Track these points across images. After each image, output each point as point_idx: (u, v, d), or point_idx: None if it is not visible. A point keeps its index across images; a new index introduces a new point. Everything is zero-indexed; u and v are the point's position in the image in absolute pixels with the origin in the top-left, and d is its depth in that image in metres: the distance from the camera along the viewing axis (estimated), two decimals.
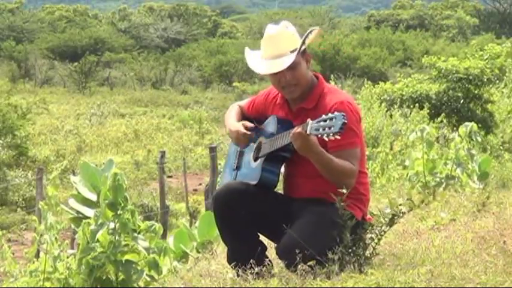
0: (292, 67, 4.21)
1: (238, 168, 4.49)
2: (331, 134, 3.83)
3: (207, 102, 35.98)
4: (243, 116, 4.57)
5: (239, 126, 4.41)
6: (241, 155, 4.50)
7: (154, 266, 4.59)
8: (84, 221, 4.48)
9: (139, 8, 77.48)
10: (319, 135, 3.89)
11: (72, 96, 38.06)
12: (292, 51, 4.20)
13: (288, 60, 4.19)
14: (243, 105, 4.62)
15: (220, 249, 5.53)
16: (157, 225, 4.65)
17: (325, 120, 3.88)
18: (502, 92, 21.90)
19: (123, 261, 4.42)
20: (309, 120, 3.95)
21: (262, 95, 4.55)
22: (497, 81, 21.21)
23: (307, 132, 3.93)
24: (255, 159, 4.35)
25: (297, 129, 3.98)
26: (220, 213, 4.26)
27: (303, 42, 4.21)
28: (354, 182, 4.11)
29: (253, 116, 4.53)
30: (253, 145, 4.41)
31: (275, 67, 4.23)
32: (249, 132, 4.38)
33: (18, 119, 21.02)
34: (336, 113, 3.87)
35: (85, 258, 4.36)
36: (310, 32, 4.25)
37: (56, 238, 4.64)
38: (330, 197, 4.05)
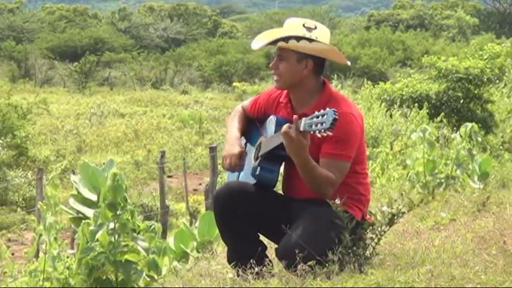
0: (281, 58, 4.26)
1: (241, 168, 4.49)
2: (323, 130, 3.85)
3: (207, 102, 35.96)
4: (247, 118, 4.58)
5: (236, 154, 4.40)
6: (244, 155, 4.50)
7: (154, 266, 4.58)
8: (83, 221, 4.47)
9: (139, 7, 77.55)
10: (312, 132, 3.90)
11: (72, 96, 38.03)
12: (268, 44, 4.24)
13: (259, 44, 4.27)
14: (246, 105, 4.63)
15: (220, 249, 5.53)
16: (157, 225, 4.65)
17: (317, 117, 3.90)
18: (502, 92, 21.91)
19: (123, 262, 4.41)
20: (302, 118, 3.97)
21: (266, 94, 4.55)
22: (497, 81, 21.23)
23: (301, 128, 3.94)
24: (256, 159, 4.36)
25: (289, 126, 3.99)
26: (220, 213, 4.26)
27: (282, 39, 4.19)
28: (332, 193, 4.10)
29: (256, 116, 4.54)
30: (256, 145, 4.42)
31: (254, 44, 4.34)
32: (237, 166, 4.40)
33: (18, 119, 21.01)
34: (327, 109, 3.88)
35: (84, 259, 4.35)
36: (308, 39, 4.21)
37: (55, 238, 4.64)
38: (329, 197, 4.05)
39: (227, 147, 4.46)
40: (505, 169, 10.01)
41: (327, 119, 3.84)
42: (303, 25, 4.26)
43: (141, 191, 17.29)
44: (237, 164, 4.40)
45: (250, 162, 4.41)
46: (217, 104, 35.70)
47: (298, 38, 4.19)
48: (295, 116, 3.97)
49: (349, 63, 4.40)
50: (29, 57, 46.43)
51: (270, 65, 4.34)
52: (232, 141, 4.47)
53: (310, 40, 4.21)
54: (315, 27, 4.26)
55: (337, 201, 4.00)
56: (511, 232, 4.62)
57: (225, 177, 4.71)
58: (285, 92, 4.39)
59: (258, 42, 4.34)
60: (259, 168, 4.27)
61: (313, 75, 4.28)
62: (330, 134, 3.85)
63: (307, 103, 4.28)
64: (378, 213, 4.16)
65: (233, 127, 4.54)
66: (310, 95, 4.28)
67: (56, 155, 21.33)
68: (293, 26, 4.28)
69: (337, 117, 3.83)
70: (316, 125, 3.87)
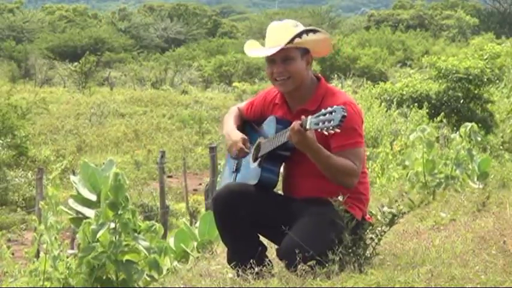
0: (286, 59, 4.23)
1: (237, 170, 4.48)
2: (331, 128, 3.83)
3: (207, 102, 35.95)
4: (242, 119, 4.57)
5: (239, 140, 4.38)
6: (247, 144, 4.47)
7: (155, 266, 4.59)
8: (85, 220, 4.48)
9: (139, 7, 77.52)
10: (319, 130, 3.89)
11: (72, 96, 38.01)
12: (287, 44, 4.20)
13: (275, 49, 4.20)
14: (242, 107, 4.63)
15: (220, 249, 5.53)
16: (158, 225, 4.65)
17: (324, 114, 3.89)
18: (502, 92, 21.93)
19: (124, 261, 4.42)
20: (307, 116, 3.96)
21: (261, 96, 4.55)
22: (497, 81, 21.24)
23: (307, 127, 3.94)
24: (255, 160, 4.35)
25: (295, 125, 3.99)
26: (220, 214, 4.26)
27: (297, 36, 4.18)
28: (356, 182, 4.12)
29: (252, 118, 4.54)
30: (253, 146, 4.41)
31: (261, 53, 4.27)
32: (246, 150, 4.37)
33: (18, 119, 21.01)
34: (335, 106, 3.87)
35: (86, 258, 4.36)
36: (313, 30, 4.23)
37: (55, 238, 4.64)
38: (329, 196, 4.05)
39: (230, 137, 4.42)
40: (505, 169, 10.00)
41: (335, 116, 3.83)
42: (294, 25, 4.29)
43: (141, 191, 17.30)
44: (245, 148, 4.37)
45: (248, 163, 4.40)
46: (217, 104, 35.66)
47: (307, 32, 4.20)
48: (303, 116, 3.98)
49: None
50: (29, 57, 46.41)
51: (276, 71, 4.23)
52: (233, 132, 4.44)
53: (315, 31, 4.23)
54: (297, 25, 4.30)
55: (340, 198, 3.99)
56: (511, 232, 4.62)
57: (222, 179, 4.68)
58: (279, 93, 4.39)
59: (267, 50, 4.26)
60: (260, 169, 4.26)
61: (309, 69, 4.31)
62: (338, 131, 3.85)
63: (304, 99, 4.29)
64: (379, 213, 4.17)
65: (230, 123, 4.53)
66: (307, 90, 4.29)
67: (56, 155, 21.33)
68: (283, 28, 4.27)
69: (345, 114, 3.82)
70: (324, 123, 3.86)
